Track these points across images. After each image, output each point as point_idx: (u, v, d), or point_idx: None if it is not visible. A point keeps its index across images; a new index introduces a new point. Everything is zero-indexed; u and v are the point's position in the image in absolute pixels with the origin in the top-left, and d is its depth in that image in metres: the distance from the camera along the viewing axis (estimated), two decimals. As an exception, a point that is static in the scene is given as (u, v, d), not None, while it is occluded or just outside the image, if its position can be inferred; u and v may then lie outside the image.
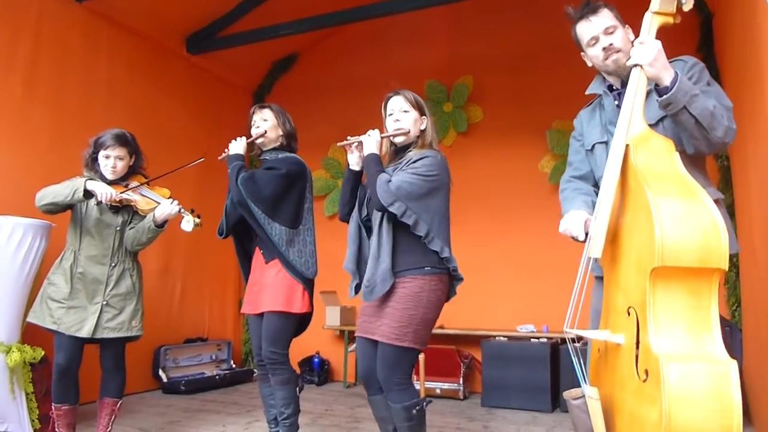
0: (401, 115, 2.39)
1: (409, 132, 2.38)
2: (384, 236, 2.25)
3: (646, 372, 1.45)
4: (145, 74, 4.92)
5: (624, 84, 1.92)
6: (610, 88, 2.01)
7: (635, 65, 1.73)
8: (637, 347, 1.51)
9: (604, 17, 1.94)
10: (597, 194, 1.93)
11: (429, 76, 5.45)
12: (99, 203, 2.77)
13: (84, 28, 4.38)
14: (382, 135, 2.41)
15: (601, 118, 2.03)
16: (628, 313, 1.57)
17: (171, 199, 2.90)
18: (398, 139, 2.40)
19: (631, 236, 1.60)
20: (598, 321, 1.89)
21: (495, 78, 5.24)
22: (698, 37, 4.44)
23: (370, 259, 2.28)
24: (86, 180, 2.77)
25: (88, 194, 2.75)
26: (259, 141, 2.90)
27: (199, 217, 2.86)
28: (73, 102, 4.25)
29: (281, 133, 2.93)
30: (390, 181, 2.23)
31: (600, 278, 1.91)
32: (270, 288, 2.78)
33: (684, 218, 1.45)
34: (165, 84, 5.12)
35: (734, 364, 1.38)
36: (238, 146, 2.86)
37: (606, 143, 1.98)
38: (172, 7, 4.80)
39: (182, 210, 2.87)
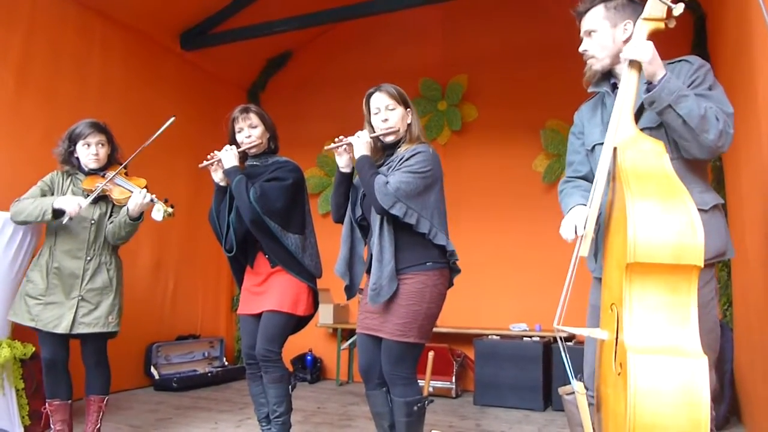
0: (388, 113, 2.35)
1: (398, 130, 2.37)
2: (386, 237, 2.24)
3: (621, 365, 1.46)
4: (139, 70, 4.90)
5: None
6: (615, 86, 1.94)
7: (634, 60, 1.71)
8: (617, 342, 1.52)
9: (589, 18, 1.90)
10: None
11: (424, 74, 5.45)
12: (70, 219, 2.73)
13: (77, 23, 4.35)
14: (371, 135, 2.37)
15: (602, 117, 1.97)
16: (611, 309, 1.59)
17: (143, 189, 2.83)
18: (388, 138, 2.38)
19: (615, 235, 1.62)
20: (594, 316, 1.89)
21: (490, 77, 5.24)
22: (692, 37, 4.45)
23: (374, 262, 2.25)
24: (53, 201, 2.74)
25: (58, 213, 2.72)
26: (252, 151, 2.84)
27: (172, 207, 2.81)
28: (65, 97, 4.22)
29: (268, 135, 2.87)
30: (388, 182, 2.21)
31: (599, 279, 1.89)
32: (277, 289, 2.78)
33: (659, 217, 1.45)
34: (158, 80, 5.10)
35: (705, 359, 1.38)
36: (231, 158, 2.74)
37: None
38: (165, 3, 4.79)
39: (154, 199, 2.81)
